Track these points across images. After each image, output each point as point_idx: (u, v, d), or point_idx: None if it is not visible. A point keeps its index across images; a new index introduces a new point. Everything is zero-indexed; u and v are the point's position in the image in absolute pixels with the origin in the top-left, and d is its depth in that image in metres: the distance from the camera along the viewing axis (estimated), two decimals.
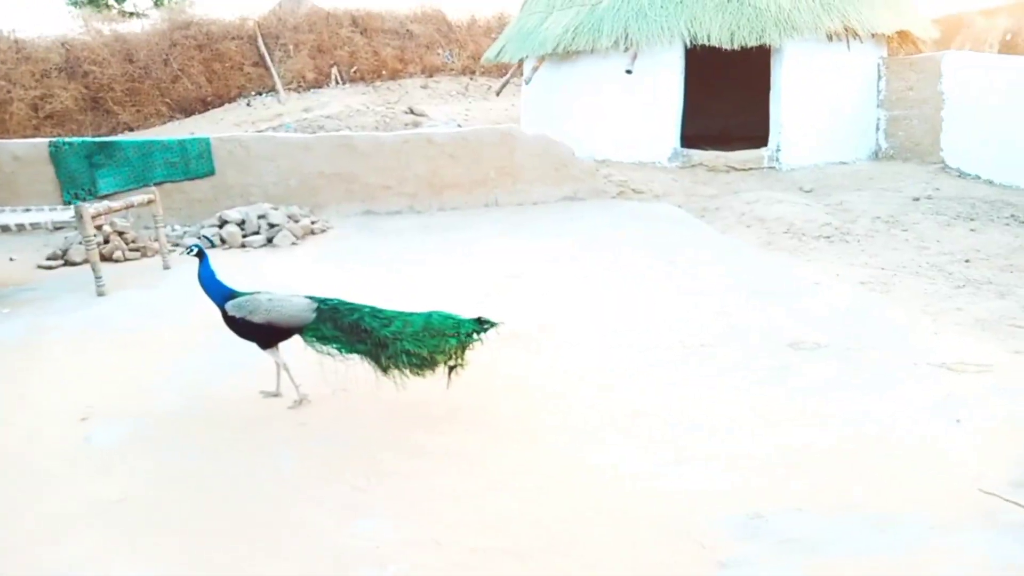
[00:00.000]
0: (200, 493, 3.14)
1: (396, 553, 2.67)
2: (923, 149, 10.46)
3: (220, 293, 4.05)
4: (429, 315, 3.72)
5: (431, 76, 18.49)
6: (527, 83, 11.39)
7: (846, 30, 9.93)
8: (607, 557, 2.60)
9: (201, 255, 4.09)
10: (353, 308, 3.83)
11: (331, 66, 17.64)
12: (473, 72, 18.77)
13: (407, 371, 3.60)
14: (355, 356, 3.73)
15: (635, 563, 2.56)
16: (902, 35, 10.81)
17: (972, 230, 7.47)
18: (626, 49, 10.22)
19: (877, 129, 11.01)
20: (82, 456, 3.53)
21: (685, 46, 10.03)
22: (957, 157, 9.92)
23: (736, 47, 9.78)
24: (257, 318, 3.88)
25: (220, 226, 8.36)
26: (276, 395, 4.06)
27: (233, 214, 8.39)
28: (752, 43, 9.78)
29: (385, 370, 3.64)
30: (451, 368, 3.62)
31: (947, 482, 2.94)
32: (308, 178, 9.39)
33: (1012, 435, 3.31)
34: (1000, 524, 2.64)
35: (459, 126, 13.63)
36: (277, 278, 6.28)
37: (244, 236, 8.14)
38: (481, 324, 3.61)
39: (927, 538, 2.60)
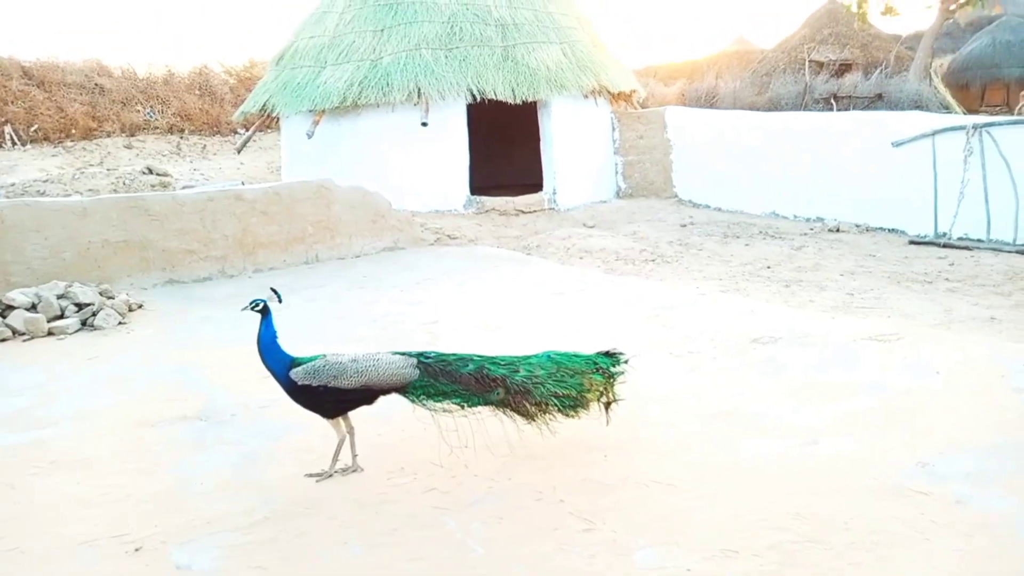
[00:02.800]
0: None
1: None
2: (657, 187, 12.56)
3: (283, 360, 3.49)
4: (548, 355, 3.64)
5: (133, 135, 16.43)
6: (310, 136, 10.97)
7: (597, 89, 11.58)
8: None
9: (265, 311, 3.49)
10: (462, 358, 3.59)
11: (2, 124, 14.66)
12: (182, 130, 17.15)
13: (558, 415, 3.49)
14: (482, 408, 3.50)
15: None
16: (622, 93, 12.88)
17: (746, 245, 9.32)
18: (415, 103, 10.54)
19: (616, 172, 12.90)
20: None
21: (469, 100, 10.71)
22: (687, 191, 12.14)
23: (519, 101, 10.76)
24: (346, 383, 3.44)
25: (1, 314, 6.62)
26: (354, 469, 3.58)
27: (18, 296, 6.72)
28: (531, 98, 10.86)
29: (532, 417, 3.48)
30: (607, 405, 3.59)
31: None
32: (89, 249, 7.91)
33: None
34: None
35: (241, 182, 12.46)
36: (157, 372, 5.30)
37: (49, 322, 6.57)
38: (611, 357, 3.65)
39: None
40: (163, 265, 8.30)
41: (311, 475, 3.59)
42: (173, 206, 8.39)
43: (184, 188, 12.15)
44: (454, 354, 3.63)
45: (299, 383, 3.46)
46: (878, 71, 22.65)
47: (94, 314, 6.73)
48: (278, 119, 13.84)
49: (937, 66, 24.46)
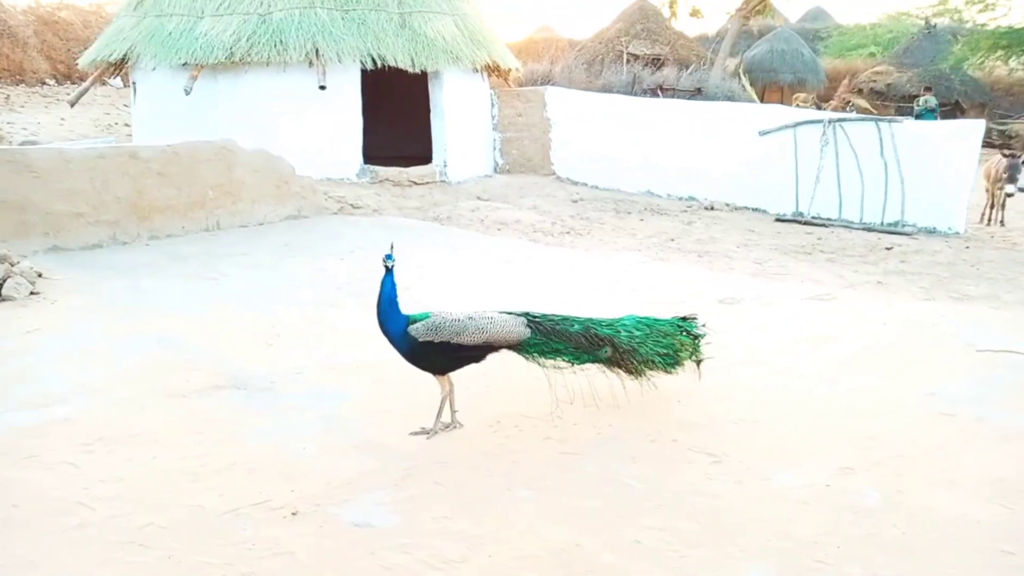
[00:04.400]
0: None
1: None
2: (535, 164, 13.06)
3: (401, 317, 3.45)
4: (636, 319, 3.87)
5: None
6: (188, 93, 9.99)
7: (489, 64, 11.77)
8: None
9: (389, 269, 3.42)
10: (565, 318, 3.76)
11: None
12: None
13: (660, 371, 3.77)
14: (591, 365, 3.70)
15: None
16: (500, 69, 13.16)
17: (641, 220, 10.12)
18: (311, 64, 10.05)
19: (494, 148, 13.21)
20: None
21: (364, 66, 10.42)
22: (565, 169, 12.77)
23: (418, 70, 10.65)
24: (468, 339, 3.50)
25: None
26: (456, 425, 3.64)
27: None
28: (430, 68, 10.80)
29: (638, 373, 3.73)
30: (698, 362, 3.88)
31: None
32: None
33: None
34: None
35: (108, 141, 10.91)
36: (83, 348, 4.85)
37: None
38: (687, 321, 3.97)
39: None
40: (46, 230, 7.31)
41: (417, 432, 3.59)
42: (59, 163, 7.39)
43: (25, 143, 10.51)
44: (556, 314, 3.78)
45: (420, 339, 3.44)
46: (693, 67, 24.96)
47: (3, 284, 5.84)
48: (124, 71, 12.46)
49: (737, 67, 27.47)
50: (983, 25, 26.50)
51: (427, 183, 11.43)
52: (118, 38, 10.66)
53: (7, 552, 2.66)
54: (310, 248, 7.68)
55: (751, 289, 6.33)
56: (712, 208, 10.85)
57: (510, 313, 3.70)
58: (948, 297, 6.63)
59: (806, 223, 9.94)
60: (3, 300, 5.71)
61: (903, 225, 9.48)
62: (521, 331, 3.61)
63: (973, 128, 9.34)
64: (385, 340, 3.58)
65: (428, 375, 3.66)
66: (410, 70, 10.61)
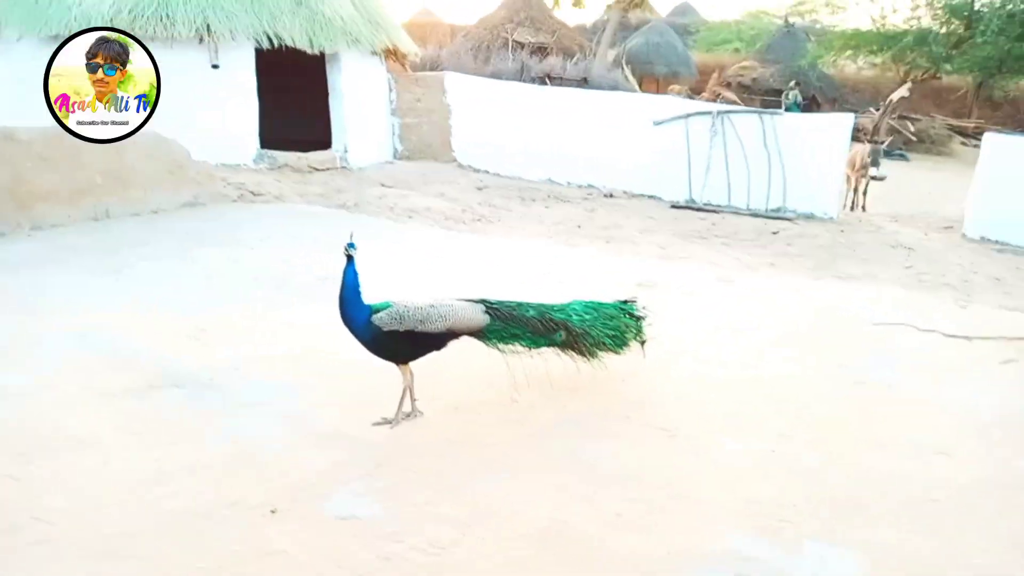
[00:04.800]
0: None
1: None
2: (436, 150, 12.99)
3: (364, 307, 3.43)
4: (582, 303, 4.02)
5: None
6: None
7: (389, 47, 11.58)
8: None
9: (351, 257, 3.38)
10: (520, 304, 3.85)
11: None
12: None
13: (609, 352, 3.93)
14: (546, 349, 3.81)
15: None
16: (397, 53, 12.97)
17: (546, 207, 10.34)
18: (201, 40, 9.51)
19: (393, 134, 13.03)
20: None
21: (259, 46, 9.98)
22: (466, 157, 12.80)
23: (316, 51, 10.33)
24: (432, 327, 3.54)
25: None
26: (417, 414, 3.67)
27: None
28: (329, 50, 10.49)
29: (591, 355, 3.87)
30: (642, 342, 4.07)
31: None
32: None
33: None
34: None
35: None
36: None
37: None
38: (628, 304, 4.16)
39: None
40: None
41: (379, 422, 3.59)
42: None
43: None
44: (510, 301, 3.87)
45: (385, 329, 3.44)
46: (577, 57, 25.55)
47: None
48: None
49: (618, 57, 28.38)
50: (834, 26, 28.72)
51: (328, 169, 11.13)
52: None
53: None
54: (216, 237, 7.33)
55: (663, 273, 6.68)
56: (611, 196, 11.25)
57: (468, 300, 3.76)
58: (834, 277, 7.27)
59: (699, 209, 10.52)
60: None
61: (785, 211, 10.24)
62: (481, 318, 3.68)
63: (844, 120, 10.23)
64: (344, 331, 3.56)
65: (378, 365, 3.66)
66: (308, 51, 10.26)
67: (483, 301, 3.78)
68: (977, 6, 23.51)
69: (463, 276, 6.28)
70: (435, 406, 3.78)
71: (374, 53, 11.68)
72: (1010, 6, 22.40)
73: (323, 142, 11.45)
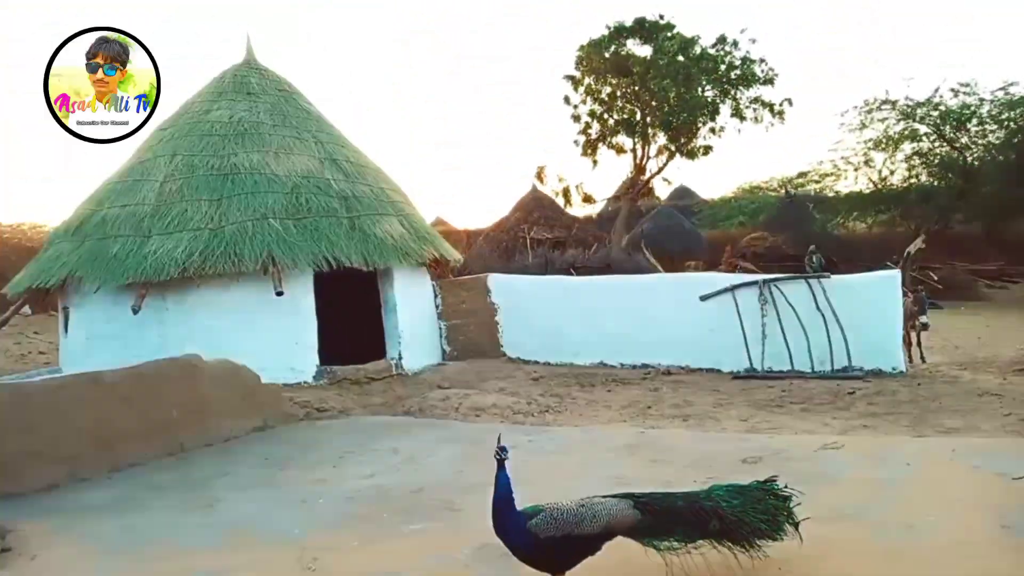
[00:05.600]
0: None
1: None
2: (484, 348, 13.16)
3: (519, 514, 3.27)
4: (723, 487, 3.83)
5: None
6: (136, 311, 9.61)
7: (436, 258, 12.16)
8: None
9: (502, 464, 3.27)
10: (667, 495, 3.68)
11: None
12: None
13: (766, 539, 3.69)
14: (701, 542, 3.57)
15: None
16: (443, 261, 13.54)
17: (609, 391, 10.24)
18: (265, 272, 10.03)
19: (440, 336, 13.29)
20: None
21: (318, 270, 10.50)
22: (515, 350, 12.93)
23: (371, 268, 10.84)
24: (588, 529, 3.34)
25: None
26: None
27: None
28: (382, 265, 11.02)
29: (748, 544, 3.63)
30: (795, 524, 3.82)
31: None
32: None
33: None
34: None
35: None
36: None
37: None
38: (768, 483, 3.97)
39: None
40: None
41: None
42: (17, 399, 6.80)
43: None
44: (650, 492, 3.69)
45: (541, 536, 3.26)
46: (595, 246, 26.68)
47: None
48: (45, 298, 11.94)
49: (631, 241, 29.62)
50: (836, 192, 30.11)
51: (384, 377, 11.22)
52: (56, 263, 10.30)
53: None
54: (295, 459, 7.23)
55: (760, 447, 6.43)
56: (669, 373, 11.17)
57: (613, 496, 3.58)
58: (935, 432, 6.98)
59: (762, 378, 10.38)
60: None
61: (852, 370, 10.08)
62: (631, 513, 3.50)
63: (892, 275, 10.38)
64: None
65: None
66: (364, 269, 10.77)
67: (628, 495, 3.61)
68: (969, 160, 24.78)
69: (565, 468, 6.07)
70: None
71: (421, 263, 12.23)
72: (1001, 157, 23.58)
73: (378, 351, 11.66)
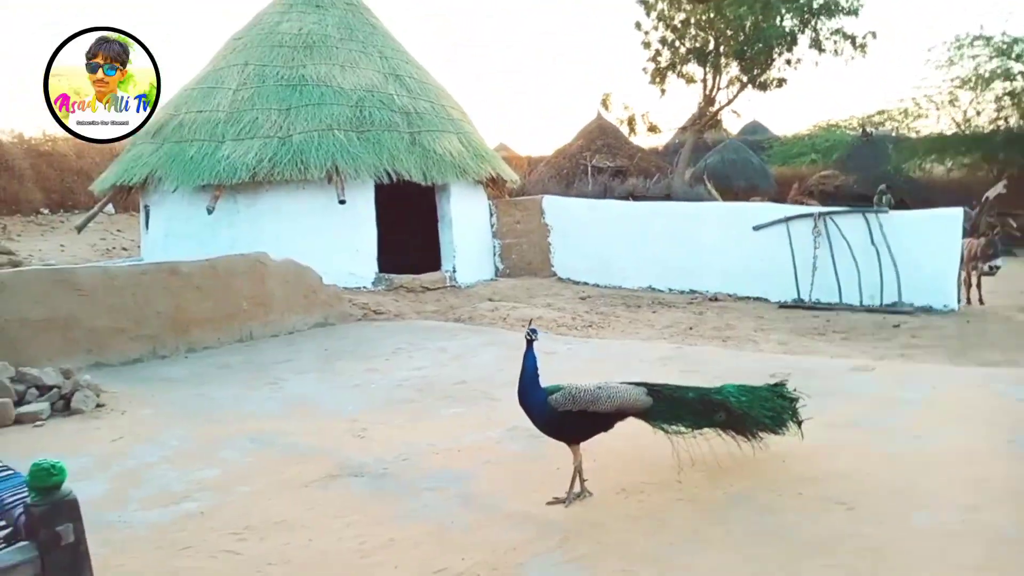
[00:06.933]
0: None
1: None
2: (535, 267, 13.52)
3: (541, 390, 3.65)
4: (736, 386, 4.11)
5: None
6: (210, 212, 10.29)
7: (493, 176, 12.44)
8: None
9: (531, 343, 3.63)
10: (679, 387, 3.99)
11: None
12: None
13: (769, 432, 3.99)
14: (708, 430, 3.89)
15: None
16: (498, 181, 13.82)
17: (654, 312, 10.50)
18: (329, 180, 10.50)
19: (494, 254, 13.68)
20: None
21: (379, 181, 10.92)
22: (565, 270, 13.26)
23: (429, 183, 11.21)
24: (603, 407, 3.69)
25: None
26: (587, 494, 3.76)
27: None
28: (440, 182, 11.38)
29: (752, 435, 3.94)
30: (799, 423, 4.10)
31: None
32: (3, 329, 6.78)
33: None
34: None
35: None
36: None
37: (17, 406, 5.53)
38: (779, 386, 4.23)
39: None
40: (89, 346, 7.31)
41: (552, 502, 3.69)
42: (104, 280, 7.50)
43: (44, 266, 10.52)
44: (668, 384, 4.01)
45: (560, 410, 3.62)
46: (657, 177, 26.38)
47: (62, 397, 5.82)
48: (127, 197, 12.75)
49: (696, 174, 29.13)
50: (916, 131, 28.76)
51: (439, 288, 11.73)
52: (138, 163, 11.01)
53: None
54: (351, 351, 7.80)
55: (793, 366, 6.62)
56: (716, 299, 11.33)
57: (631, 383, 3.91)
58: (973, 363, 7.04)
59: (809, 308, 10.46)
60: (73, 413, 5.69)
61: (902, 305, 10.05)
62: (645, 399, 3.82)
63: (954, 214, 10.17)
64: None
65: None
66: (422, 183, 11.14)
67: (644, 384, 3.93)
68: None
69: (599, 372, 6.43)
70: (601, 487, 3.86)
71: (478, 182, 12.52)
72: None
73: (433, 263, 12.15)
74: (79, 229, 12.87)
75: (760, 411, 4.00)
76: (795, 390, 4.24)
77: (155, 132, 11.33)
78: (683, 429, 3.87)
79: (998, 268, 11.03)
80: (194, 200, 10.76)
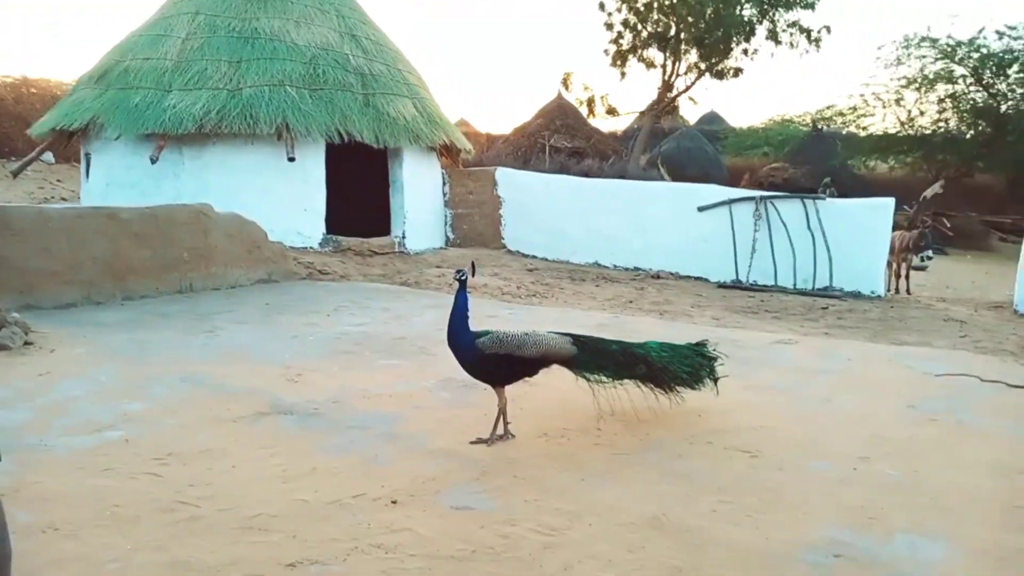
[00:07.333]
0: None
1: None
2: (486, 238, 13.60)
3: (470, 333, 3.76)
4: (657, 343, 4.31)
5: None
6: (154, 162, 10.05)
7: (446, 143, 12.43)
8: None
9: (464, 284, 3.74)
10: (603, 340, 4.16)
11: None
12: None
13: (686, 387, 4.18)
14: (628, 381, 4.06)
15: None
16: (451, 150, 13.82)
17: (597, 286, 10.71)
18: (279, 137, 10.37)
19: (445, 224, 13.72)
20: None
21: (331, 141, 10.83)
22: (515, 243, 13.37)
23: (381, 146, 11.15)
24: (529, 352, 3.85)
25: None
26: (509, 436, 3.91)
27: None
28: (392, 145, 11.33)
29: (670, 389, 4.12)
30: (715, 380, 4.32)
31: None
32: None
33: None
34: None
35: None
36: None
37: None
38: (700, 345, 4.44)
39: None
40: (20, 288, 7.16)
41: (475, 441, 3.83)
42: (38, 221, 7.34)
43: None
44: (591, 336, 4.18)
45: (487, 352, 3.75)
46: (612, 159, 26.65)
47: None
48: (66, 144, 12.37)
49: (652, 159, 29.53)
50: (864, 128, 29.63)
51: (387, 253, 11.73)
52: (79, 108, 10.67)
53: (129, 539, 2.73)
54: (292, 307, 7.80)
55: (722, 336, 6.89)
56: (658, 277, 11.61)
57: (558, 333, 4.06)
58: (889, 343, 7.41)
59: (746, 289, 10.80)
60: (6, 350, 5.59)
61: (832, 290, 10.46)
62: (569, 348, 3.98)
63: (886, 203, 10.59)
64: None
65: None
66: (374, 146, 11.09)
67: (570, 334, 4.09)
68: (1003, 108, 24.23)
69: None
70: (524, 430, 4.01)
71: (431, 148, 12.52)
72: None
73: (383, 229, 12.13)
74: (15, 174, 12.45)
75: (680, 366, 4.20)
76: (714, 350, 4.45)
77: (99, 77, 11.01)
78: (605, 379, 4.04)
79: (930, 259, 11.54)
80: (137, 149, 10.51)
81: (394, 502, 3.10)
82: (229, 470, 3.41)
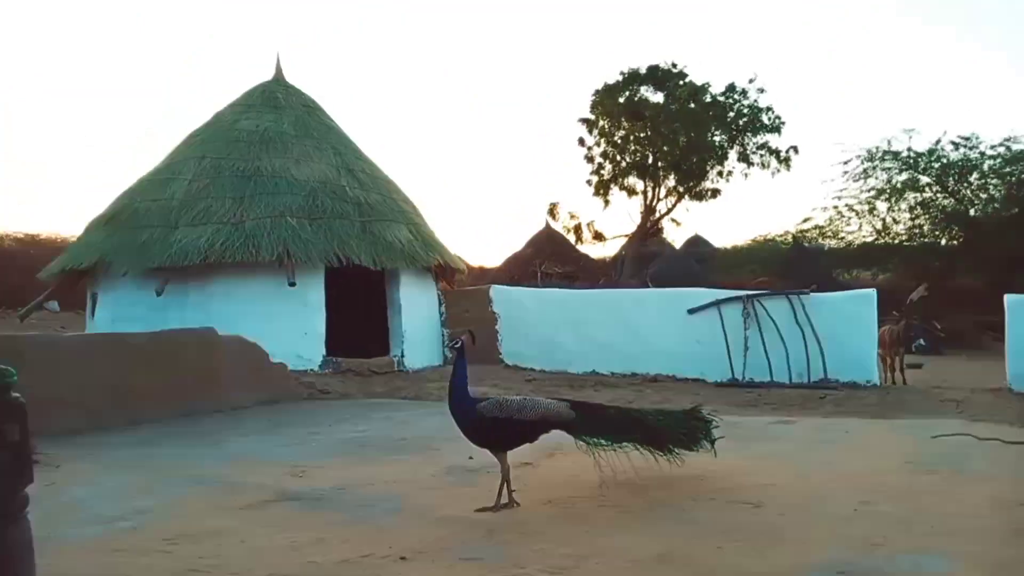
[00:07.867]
0: None
1: None
2: (482, 355, 13.68)
3: (471, 398, 3.92)
4: (655, 408, 4.48)
5: None
6: (159, 294, 10.42)
7: (441, 265, 12.92)
8: None
9: (462, 351, 3.92)
10: (600, 404, 4.31)
11: None
12: None
13: (684, 448, 4.29)
14: (628, 445, 4.17)
15: None
16: (448, 271, 14.24)
17: (596, 391, 10.78)
18: (280, 264, 10.80)
19: (443, 343, 13.94)
20: None
21: (329, 266, 11.27)
22: (513, 357, 13.52)
23: (379, 268, 11.59)
24: (528, 416, 3.96)
25: None
26: (514, 504, 3.95)
27: None
28: (390, 267, 11.77)
29: (668, 451, 4.23)
30: (712, 441, 4.44)
31: None
32: None
33: None
34: None
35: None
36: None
37: None
38: (692, 409, 4.60)
39: None
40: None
41: (481, 510, 3.87)
42: (50, 349, 7.56)
43: None
44: (591, 402, 4.33)
45: (487, 416, 3.88)
46: (602, 282, 27.35)
47: None
48: (79, 292, 12.81)
49: (646, 280, 30.28)
50: (843, 238, 30.61)
51: (386, 372, 11.86)
52: (88, 249, 11.16)
53: None
54: (296, 421, 7.88)
55: (722, 422, 6.98)
56: (656, 380, 11.72)
57: (556, 399, 4.21)
58: (887, 421, 7.48)
59: (743, 386, 10.90)
60: None
61: (828, 381, 10.58)
62: (568, 412, 4.12)
63: (869, 293, 10.95)
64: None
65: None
66: (372, 268, 11.52)
67: (568, 400, 4.24)
68: (972, 212, 25.26)
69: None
70: (529, 499, 4.06)
71: (427, 269, 12.97)
72: (1004, 212, 24.02)
73: (381, 348, 12.33)
74: (21, 318, 12.75)
75: (676, 428, 4.32)
76: (709, 414, 4.58)
77: (108, 220, 11.58)
78: (604, 442, 4.14)
79: (918, 366, 11.66)
80: (144, 284, 10.89)
81: (403, 558, 3.14)
82: (238, 544, 3.45)
